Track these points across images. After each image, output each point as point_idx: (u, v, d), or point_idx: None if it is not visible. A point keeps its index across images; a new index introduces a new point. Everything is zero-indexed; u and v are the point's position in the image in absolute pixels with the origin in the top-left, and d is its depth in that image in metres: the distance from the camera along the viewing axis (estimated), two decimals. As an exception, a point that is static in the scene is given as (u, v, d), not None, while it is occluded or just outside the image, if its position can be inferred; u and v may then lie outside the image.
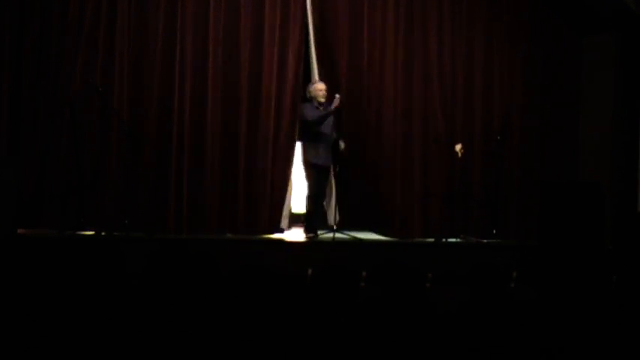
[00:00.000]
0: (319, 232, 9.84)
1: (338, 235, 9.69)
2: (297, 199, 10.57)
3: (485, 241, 10.56)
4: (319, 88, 10.06)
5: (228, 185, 10.07)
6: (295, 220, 10.73)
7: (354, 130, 10.56)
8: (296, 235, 10.22)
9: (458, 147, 10.44)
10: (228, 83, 10.14)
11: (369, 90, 10.80)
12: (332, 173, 10.21)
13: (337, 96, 9.90)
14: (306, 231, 9.99)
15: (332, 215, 10.13)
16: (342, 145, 9.97)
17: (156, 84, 9.85)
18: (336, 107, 9.88)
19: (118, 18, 9.71)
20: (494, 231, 10.63)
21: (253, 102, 10.24)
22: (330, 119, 9.94)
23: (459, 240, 10.42)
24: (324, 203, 10.35)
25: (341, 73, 10.61)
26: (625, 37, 11.28)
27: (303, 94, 10.24)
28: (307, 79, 10.53)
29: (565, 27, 11.82)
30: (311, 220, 10.02)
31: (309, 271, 6.94)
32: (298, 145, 10.27)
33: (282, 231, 10.18)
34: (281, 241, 9.72)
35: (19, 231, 8.50)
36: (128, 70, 9.77)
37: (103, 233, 8.90)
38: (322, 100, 10.00)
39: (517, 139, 11.47)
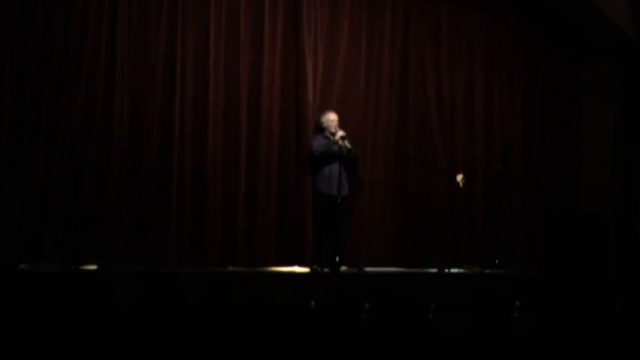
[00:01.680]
0: (342, 267, 9.83)
1: (342, 267, 9.72)
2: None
3: (487, 270, 10.58)
4: (331, 118, 10.14)
5: (229, 217, 10.10)
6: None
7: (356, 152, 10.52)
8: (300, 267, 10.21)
9: (459, 177, 10.49)
10: (228, 120, 10.19)
11: (366, 118, 10.85)
12: (345, 204, 10.10)
13: (340, 132, 9.97)
14: (312, 262, 10.01)
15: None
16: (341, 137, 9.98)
17: (156, 116, 9.87)
18: (342, 137, 9.95)
19: (118, 48, 9.73)
20: (497, 260, 10.63)
21: (254, 133, 10.29)
22: (337, 148, 9.97)
23: (461, 270, 10.42)
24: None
25: (337, 103, 10.64)
26: (624, 64, 11.35)
27: (315, 125, 10.32)
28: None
29: (564, 55, 11.94)
30: (317, 251, 10.05)
31: (312, 303, 6.95)
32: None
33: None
34: (283, 274, 9.73)
35: (22, 266, 8.48)
36: (128, 103, 9.77)
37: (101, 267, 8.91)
38: (334, 130, 10.07)
39: (518, 168, 11.53)
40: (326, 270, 9.72)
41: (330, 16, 10.72)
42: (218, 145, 10.09)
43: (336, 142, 10.00)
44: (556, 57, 11.92)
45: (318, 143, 10.12)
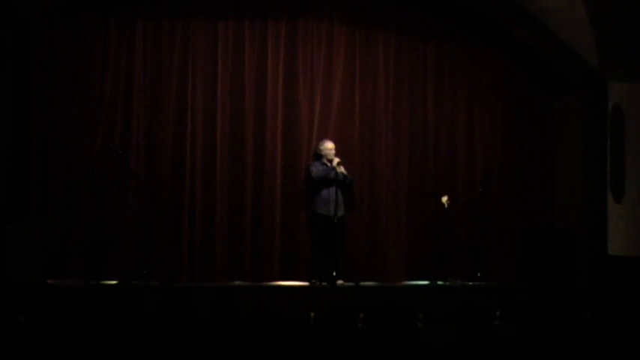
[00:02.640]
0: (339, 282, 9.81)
1: (339, 281, 9.76)
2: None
3: (470, 283, 10.59)
4: (329, 147, 10.18)
5: (236, 237, 10.16)
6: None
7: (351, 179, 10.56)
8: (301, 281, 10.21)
9: (444, 199, 10.51)
10: (235, 150, 10.28)
11: (362, 149, 10.92)
12: (341, 224, 10.15)
13: (336, 159, 10.02)
14: (311, 277, 10.03)
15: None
16: (337, 163, 10.01)
17: (169, 146, 9.98)
18: (338, 163, 10.01)
19: (135, 85, 9.86)
20: (479, 274, 10.63)
21: (258, 162, 10.38)
22: (334, 174, 10.03)
23: (447, 283, 10.44)
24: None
25: (335, 134, 10.70)
26: (591, 96, 11.35)
27: (314, 152, 10.39)
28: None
29: (539, 88, 11.91)
30: (316, 267, 10.07)
31: (312, 314, 6.96)
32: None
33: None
34: (286, 287, 9.78)
35: (49, 281, 8.56)
36: (144, 134, 9.89)
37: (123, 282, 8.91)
38: (331, 157, 10.12)
39: (498, 190, 11.52)
40: (324, 284, 9.74)
41: (326, 57, 10.81)
42: (225, 172, 10.18)
43: (333, 169, 10.05)
44: (531, 89, 11.89)
45: (316, 169, 10.18)
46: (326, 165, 10.16)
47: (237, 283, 9.94)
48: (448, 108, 11.44)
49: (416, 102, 11.27)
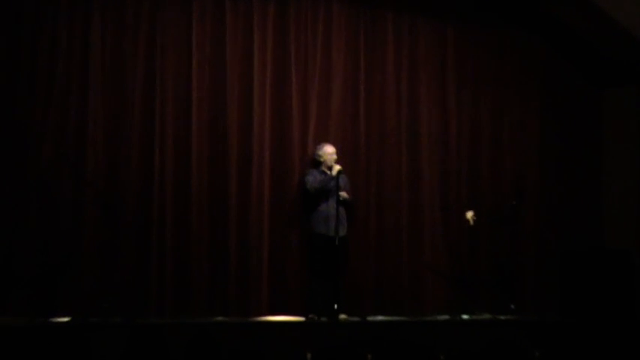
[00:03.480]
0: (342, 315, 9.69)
1: (342, 315, 9.63)
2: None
3: (502, 317, 10.42)
4: (329, 152, 10.09)
5: (217, 262, 10.01)
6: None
7: (353, 198, 10.46)
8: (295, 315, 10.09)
9: (469, 214, 10.37)
10: (214, 143, 10.13)
11: (368, 155, 10.83)
12: (344, 245, 10.02)
13: (337, 167, 9.88)
14: (308, 310, 9.91)
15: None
16: (343, 195, 9.88)
17: (134, 150, 9.81)
18: (339, 172, 9.84)
19: (91, 75, 9.70)
20: (512, 306, 10.48)
21: (244, 165, 10.24)
22: (334, 184, 9.86)
23: (473, 317, 10.33)
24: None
25: (335, 137, 10.60)
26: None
27: (312, 159, 10.28)
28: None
29: (582, 79, 11.90)
30: (313, 298, 9.95)
31: (309, 356, 6.87)
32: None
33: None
34: (277, 323, 9.62)
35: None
36: (103, 135, 9.71)
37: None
38: (331, 165, 10.00)
39: (532, 203, 11.44)
40: (323, 319, 9.59)
41: (323, 46, 10.76)
42: (202, 183, 10.04)
43: (334, 178, 9.90)
44: (574, 81, 11.88)
45: (313, 178, 10.06)
46: (325, 173, 10.04)
47: (218, 318, 9.80)
48: (472, 104, 11.38)
49: (433, 96, 11.19)
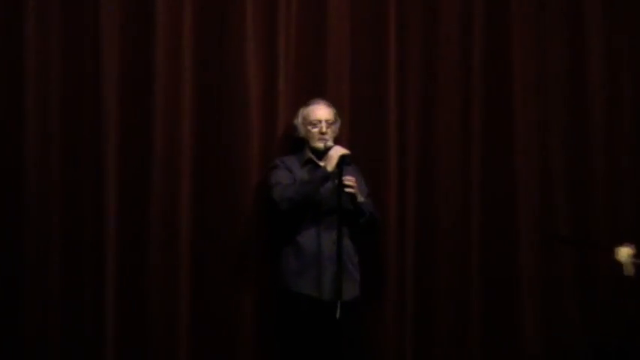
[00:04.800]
0: None
1: None
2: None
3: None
4: (319, 116, 5.79)
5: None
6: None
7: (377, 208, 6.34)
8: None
9: (625, 252, 5.53)
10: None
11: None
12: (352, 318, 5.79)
13: (338, 148, 5.62)
14: None
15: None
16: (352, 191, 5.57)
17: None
18: (342, 159, 5.58)
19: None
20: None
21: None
22: (330, 185, 5.64)
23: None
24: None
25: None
26: None
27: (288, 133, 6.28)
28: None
29: None
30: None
31: None
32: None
33: None
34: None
35: None
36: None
37: None
38: (320, 144, 5.73)
39: None
40: None
41: None
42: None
43: (331, 175, 5.49)
44: None
45: (283, 174, 5.76)
46: (313, 162, 5.74)
47: None
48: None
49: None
